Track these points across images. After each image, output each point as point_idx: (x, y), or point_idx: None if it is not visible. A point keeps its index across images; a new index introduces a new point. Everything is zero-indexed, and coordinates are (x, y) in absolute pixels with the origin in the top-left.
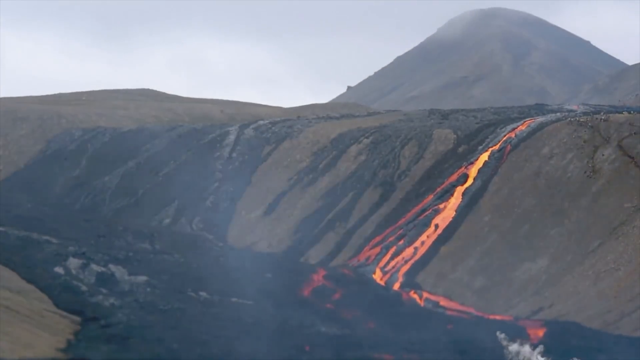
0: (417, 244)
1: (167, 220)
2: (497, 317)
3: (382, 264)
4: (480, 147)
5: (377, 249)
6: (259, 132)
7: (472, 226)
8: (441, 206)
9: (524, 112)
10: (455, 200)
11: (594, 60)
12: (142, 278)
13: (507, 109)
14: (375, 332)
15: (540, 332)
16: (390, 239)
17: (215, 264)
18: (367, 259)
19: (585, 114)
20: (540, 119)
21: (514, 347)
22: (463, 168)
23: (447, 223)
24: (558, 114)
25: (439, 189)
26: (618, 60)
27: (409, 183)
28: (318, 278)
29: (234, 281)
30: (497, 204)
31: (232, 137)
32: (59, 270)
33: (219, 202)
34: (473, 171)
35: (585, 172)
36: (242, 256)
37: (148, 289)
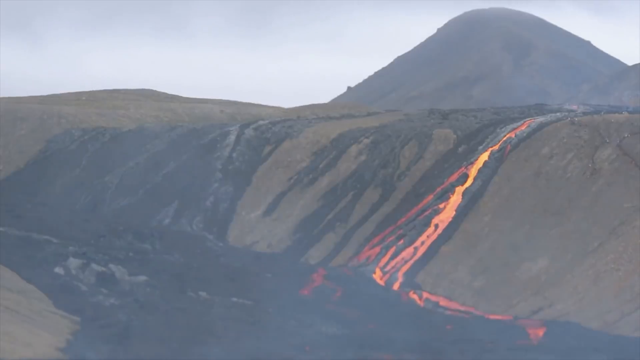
0: (417, 244)
1: (167, 220)
2: (497, 317)
3: (382, 264)
4: (480, 147)
5: (377, 249)
6: (259, 132)
7: (472, 226)
8: (441, 206)
9: (524, 112)
10: (455, 200)
11: (594, 60)
12: (142, 278)
13: (507, 109)
14: (375, 332)
15: (540, 332)
16: (390, 239)
17: (215, 264)
18: (367, 259)
19: (585, 114)
20: (540, 119)
21: None
22: (463, 168)
23: (447, 223)
24: (558, 114)
25: (439, 189)
26: (618, 60)
27: (409, 183)
28: (318, 278)
29: (234, 281)
30: (497, 204)
31: (232, 137)
32: (59, 270)
33: (219, 202)
34: (473, 171)
35: (585, 172)
36: (242, 256)
37: (148, 289)
